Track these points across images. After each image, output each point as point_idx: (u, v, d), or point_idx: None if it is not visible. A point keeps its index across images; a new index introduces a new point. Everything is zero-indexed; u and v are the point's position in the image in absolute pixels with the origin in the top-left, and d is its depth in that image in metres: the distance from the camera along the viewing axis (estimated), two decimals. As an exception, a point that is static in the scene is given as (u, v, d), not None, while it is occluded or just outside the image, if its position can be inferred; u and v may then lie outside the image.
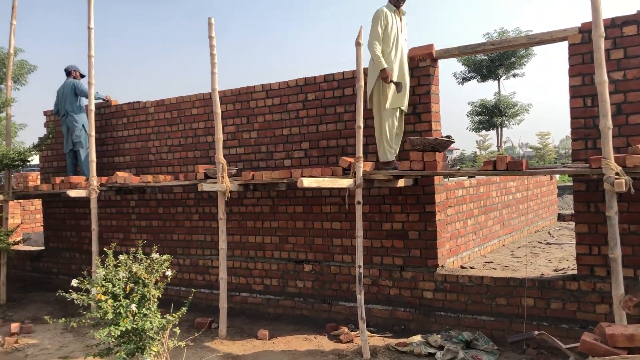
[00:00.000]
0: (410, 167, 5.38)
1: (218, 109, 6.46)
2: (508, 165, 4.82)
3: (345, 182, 5.50)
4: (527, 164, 4.85)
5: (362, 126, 5.54)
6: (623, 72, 5.01)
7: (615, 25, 5.01)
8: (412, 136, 5.93)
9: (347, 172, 5.65)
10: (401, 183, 5.94)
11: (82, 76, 8.47)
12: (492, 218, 8.30)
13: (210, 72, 6.47)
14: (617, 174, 4.21)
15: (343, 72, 6.60)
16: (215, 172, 6.48)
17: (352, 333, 6.05)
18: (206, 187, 6.23)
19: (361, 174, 5.49)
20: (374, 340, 5.85)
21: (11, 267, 9.07)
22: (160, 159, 8.21)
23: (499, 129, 41.82)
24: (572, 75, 5.26)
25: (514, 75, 38.96)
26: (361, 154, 5.50)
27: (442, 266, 6.21)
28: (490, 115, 40.06)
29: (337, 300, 6.68)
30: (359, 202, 5.52)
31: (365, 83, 5.84)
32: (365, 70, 6.25)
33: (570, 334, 5.22)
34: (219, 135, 6.44)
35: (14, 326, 6.76)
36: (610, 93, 5.00)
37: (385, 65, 5.65)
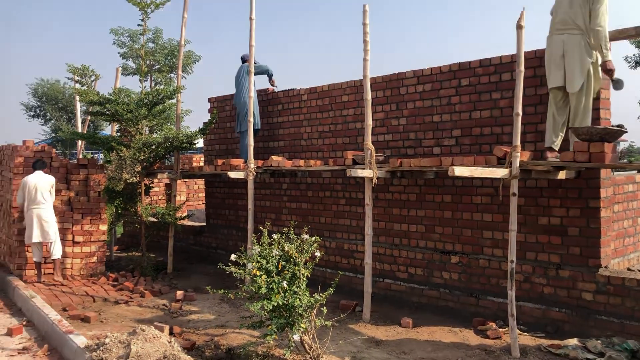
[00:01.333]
0: (574, 158, 4.98)
1: (369, 95, 6.51)
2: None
3: (499, 172, 5.26)
4: None
5: (520, 113, 5.23)
6: None
7: None
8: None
9: (501, 161, 5.39)
10: (562, 175, 5.54)
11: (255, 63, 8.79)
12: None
13: (363, 59, 6.53)
14: None
15: (501, 57, 6.29)
16: (363, 158, 6.55)
17: (500, 329, 5.81)
18: (354, 172, 6.32)
19: (518, 164, 5.20)
20: (524, 339, 5.56)
21: (177, 240, 10.02)
22: (311, 144, 8.50)
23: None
24: None
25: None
26: (519, 143, 5.21)
27: (606, 267, 5.70)
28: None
29: (485, 294, 6.44)
30: (514, 194, 5.25)
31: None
32: (531, 53, 5.90)
33: None
34: (368, 122, 6.49)
35: (179, 294, 7.47)
36: None
37: (610, 58, 5.21)
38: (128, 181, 8.54)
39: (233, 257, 4.92)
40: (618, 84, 5.28)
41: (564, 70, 5.28)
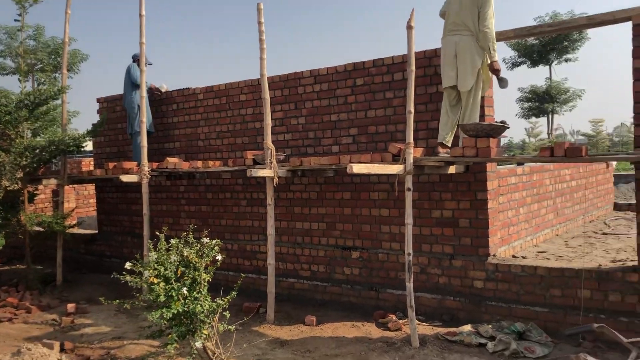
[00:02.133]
0: (463, 153, 5.25)
1: (267, 94, 6.47)
2: (566, 152, 4.64)
3: (395, 169, 5.42)
4: (586, 150, 4.66)
5: (412, 111, 5.43)
6: (693, 53, 4.73)
7: (685, 3, 4.73)
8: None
9: (396, 158, 5.56)
10: (452, 170, 5.81)
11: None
12: (545, 207, 8.03)
13: (259, 57, 6.47)
14: (686, 160, 3.99)
15: (392, 57, 6.49)
16: (263, 158, 6.50)
17: (400, 321, 6.00)
18: (255, 172, 6.25)
19: (411, 160, 5.39)
20: (423, 328, 5.78)
21: (67, 250, 9.40)
22: (209, 145, 8.31)
23: (550, 116, 40.64)
24: (635, 57, 5.00)
25: (566, 60, 37.73)
26: (412, 140, 5.40)
27: (494, 255, 6.06)
28: (541, 102, 39.00)
29: (385, 287, 6.63)
30: (408, 189, 5.43)
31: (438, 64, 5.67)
32: (421, 53, 6.13)
33: (630, 327, 5.01)
34: (268, 121, 6.45)
35: (70, 306, 7.01)
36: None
37: (497, 59, 5.49)
38: (9, 189, 7.89)
39: (128, 265, 4.68)
40: (503, 83, 5.62)
41: (456, 70, 5.53)
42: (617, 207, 11.88)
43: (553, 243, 7.82)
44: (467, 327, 5.57)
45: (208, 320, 4.63)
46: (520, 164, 8.41)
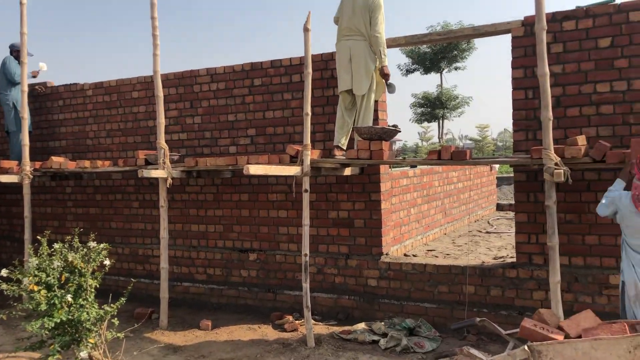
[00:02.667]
0: (357, 156, 5.37)
1: (160, 92, 6.25)
2: (452, 155, 4.89)
3: (292, 170, 5.44)
4: (470, 153, 4.93)
5: (309, 113, 5.48)
6: (562, 66, 5.15)
7: (555, 20, 5.15)
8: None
9: (294, 159, 5.58)
10: (348, 171, 5.93)
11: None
12: (434, 207, 8.44)
13: (153, 54, 6.24)
14: (556, 164, 4.34)
15: (290, 59, 6.51)
16: (156, 158, 6.27)
17: (297, 322, 6.02)
18: (147, 173, 6.02)
19: (309, 162, 5.44)
20: (319, 328, 5.84)
21: None
22: (99, 143, 7.89)
23: (441, 121, 42.85)
24: (514, 67, 5.37)
25: (455, 69, 39.97)
26: (309, 142, 5.45)
27: (387, 254, 6.26)
28: (433, 107, 40.97)
29: (282, 289, 6.63)
30: (306, 190, 5.47)
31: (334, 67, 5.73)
32: (318, 56, 6.19)
33: (509, 320, 5.37)
34: (161, 120, 6.23)
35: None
36: (551, 86, 5.13)
37: (387, 63, 5.63)
38: None
39: (4, 272, 4.33)
40: (391, 88, 5.82)
41: (351, 75, 5.64)
42: (500, 207, 12.75)
43: (441, 242, 8.23)
44: (361, 325, 5.71)
45: (95, 329, 4.40)
46: (413, 166, 8.79)
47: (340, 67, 5.74)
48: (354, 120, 5.79)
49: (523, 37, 5.28)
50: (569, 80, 5.15)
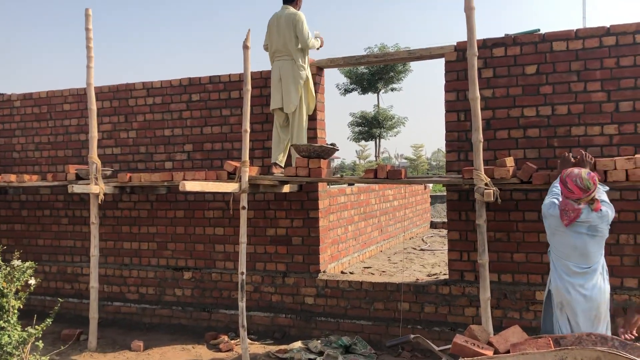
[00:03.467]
0: (296, 173, 5.39)
1: (93, 105, 6.05)
2: (388, 174, 4.99)
3: (230, 187, 5.38)
4: (405, 173, 5.06)
5: (248, 130, 5.46)
6: (492, 90, 5.39)
7: (486, 46, 5.40)
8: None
9: (232, 176, 5.53)
10: (286, 189, 5.94)
11: None
12: (371, 224, 8.57)
13: (86, 66, 6.05)
14: (486, 184, 4.51)
15: (229, 75, 6.49)
16: (88, 172, 6.05)
17: (232, 341, 5.92)
18: (77, 188, 5.80)
19: (247, 179, 5.40)
20: (255, 347, 5.77)
21: None
22: (26, 157, 7.53)
23: (377, 140, 43.67)
24: (447, 90, 5.58)
25: (392, 90, 40.94)
26: (247, 158, 5.42)
27: (324, 272, 6.28)
28: (370, 127, 41.72)
29: (218, 308, 6.51)
30: (243, 207, 5.42)
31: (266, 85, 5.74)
32: (257, 73, 6.21)
33: (442, 336, 5.49)
34: (94, 134, 6.03)
35: None
36: (481, 109, 5.36)
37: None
38: None
39: None
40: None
41: (281, 93, 5.73)
42: (433, 225, 13.09)
43: (378, 259, 8.35)
44: (298, 344, 5.67)
45: (17, 352, 4.14)
46: (351, 184, 8.89)
47: (272, 86, 5.85)
48: (290, 137, 5.83)
49: (455, 61, 5.49)
50: (498, 104, 5.39)
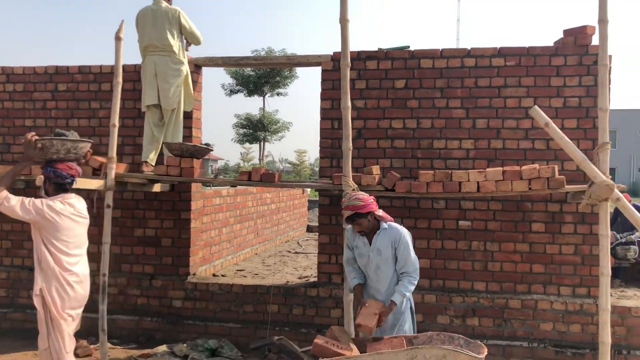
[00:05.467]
0: (167, 172, 5.24)
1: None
2: (262, 177, 5.02)
3: (94, 183, 5.10)
4: (279, 176, 5.11)
5: (117, 125, 5.22)
6: (364, 101, 5.63)
7: (360, 58, 5.62)
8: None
9: (97, 172, 5.25)
10: (157, 188, 5.75)
11: None
12: (246, 227, 8.55)
13: None
14: (353, 190, 4.68)
15: (101, 66, 6.17)
16: None
17: (92, 346, 5.62)
18: None
19: (113, 176, 5.15)
20: (116, 352, 5.52)
21: None
22: None
23: (262, 143, 43.72)
24: (323, 98, 5.73)
25: (278, 94, 41.26)
26: (114, 155, 5.17)
27: (194, 274, 6.16)
28: (255, 130, 41.67)
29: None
30: (108, 206, 5.17)
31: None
32: (131, 67, 5.96)
33: (309, 337, 5.59)
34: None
35: None
36: (353, 119, 5.57)
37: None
38: None
39: None
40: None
41: (157, 90, 5.51)
42: (310, 228, 13.34)
43: (252, 261, 8.35)
44: (163, 348, 5.51)
45: None
46: (233, 185, 8.80)
47: (145, 82, 5.58)
48: (164, 135, 5.65)
49: (332, 70, 5.65)
50: (369, 115, 5.63)
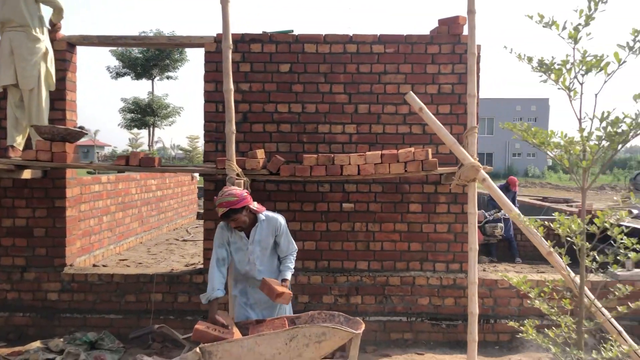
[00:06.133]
0: (37, 157, 4.89)
1: None
2: (140, 162, 4.83)
3: (-50, 170, 4.65)
4: (159, 161, 4.95)
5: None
6: (249, 85, 5.59)
7: (244, 41, 5.56)
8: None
9: (-46, 158, 4.78)
10: (27, 174, 5.35)
11: None
12: (130, 215, 8.21)
13: None
14: (237, 175, 4.65)
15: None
16: None
17: (-47, 347, 5.16)
18: None
19: (-27, 162, 4.72)
20: (-19, 352, 5.10)
21: None
22: None
23: (151, 129, 42.16)
24: (207, 80, 5.61)
25: (168, 78, 39.93)
26: (-26, 138, 4.74)
27: (71, 265, 5.83)
28: (143, 114, 40.10)
29: (-64, 310, 5.60)
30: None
31: None
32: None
33: (194, 324, 5.50)
34: None
35: None
36: (239, 102, 5.53)
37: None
38: None
39: None
40: None
41: (14, 69, 5.09)
42: (200, 215, 13.10)
43: (136, 250, 8.05)
44: (36, 344, 5.17)
45: None
46: (120, 172, 8.40)
47: (1, 61, 5.10)
48: (28, 117, 5.24)
49: (215, 52, 5.54)
50: (254, 98, 5.60)
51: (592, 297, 3.35)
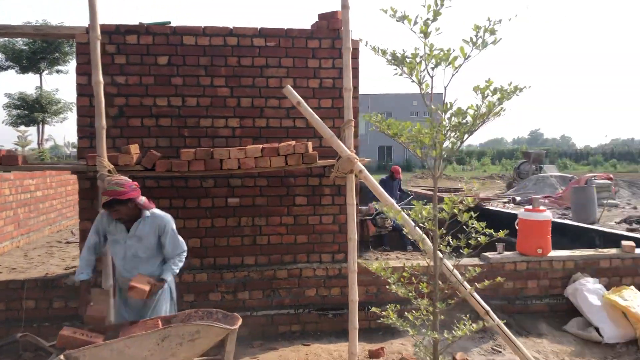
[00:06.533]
0: None
1: None
2: (2, 160, 4.49)
3: None
4: (24, 159, 4.63)
5: None
6: (126, 78, 5.35)
7: (120, 32, 5.32)
8: None
9: None
10: None
11: None
12: (4, 218, 7.63)
13: None
14: (109, 171, 4.44)
15: None
16: None
17: None
18: None
19: None
20: None
21: None
22: None
23: (41, 126, 39.61)
24: (79, 73, 5.30)
25: (57, 72, 37.62)
26: None
27: None
28: (31, 111, 37.58)
29: None
30: None
31: None
32: None
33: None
34: None
35: None
36: (114, 95, 5.30)
37: None
38: None
39: None
40: None
41: None
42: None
43: (12, 255, 7.52)
44: None
45: None
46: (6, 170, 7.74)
47: None
48: None
49: (87, 44, 5.22)
50: (131, 92, 5.38)
51: (450, 266, 3.52)
